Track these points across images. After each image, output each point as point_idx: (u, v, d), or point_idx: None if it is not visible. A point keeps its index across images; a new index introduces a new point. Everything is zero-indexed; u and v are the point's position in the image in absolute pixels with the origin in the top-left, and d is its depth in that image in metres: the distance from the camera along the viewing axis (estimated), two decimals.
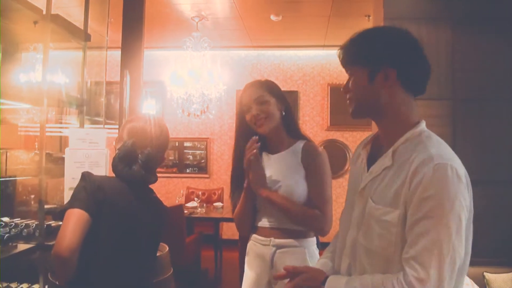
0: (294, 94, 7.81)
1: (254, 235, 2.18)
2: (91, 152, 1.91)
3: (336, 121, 7.67)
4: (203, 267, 6.02)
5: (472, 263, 3.17)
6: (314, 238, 2.15)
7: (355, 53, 1.44)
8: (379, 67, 1.38)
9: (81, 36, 3.20)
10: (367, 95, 1.42)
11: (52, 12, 2.83)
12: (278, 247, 2.08)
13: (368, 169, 1.47)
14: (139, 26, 3.64)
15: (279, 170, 2.11)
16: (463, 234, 1.28)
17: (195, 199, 6.26)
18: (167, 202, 7.49)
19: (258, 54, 7.90)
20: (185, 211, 5.54)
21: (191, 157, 8.10)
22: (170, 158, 8.11)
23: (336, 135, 7.72)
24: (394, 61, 1.39)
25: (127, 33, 3.64)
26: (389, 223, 1.32)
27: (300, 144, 2.15)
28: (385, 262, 1.35)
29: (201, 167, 8.06)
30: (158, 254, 2.51)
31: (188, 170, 8.09)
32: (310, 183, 2.08)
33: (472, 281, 2.94)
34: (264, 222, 2.14)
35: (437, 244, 1.24)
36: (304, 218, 2.04)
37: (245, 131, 2.16)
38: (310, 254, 2.09)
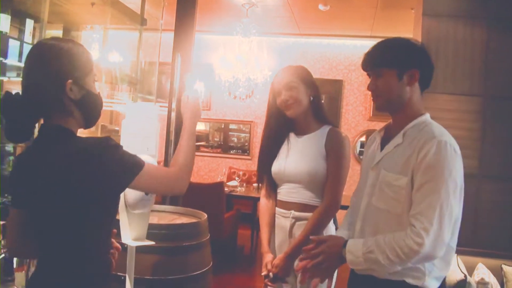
0: (338, 83, 7.94)
1: (277, 208, 2.41)
2: (144, 125, 2.18)
3: (378, 112, 7.76)
4: (239, 244, 6.32)
5: (491, 256, 3.37)
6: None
7: (388, 57, 1.75)
8: (407, 69, 1.71)
9: (138, 20, 3.49)
10: (395, 92, 1.74)
11: None
12: (297, 219, 2.31)
13: (381, 149, 1.81)
14: (191, 11, 3.88)
15: (304, 151, 2.32)
16: (458, 195, 1.61)
17: (236, 178, 6.55)
18: (210, 180, 7.86)
19: (305, 42, 8.05)
20: (226, 189, 5.83)
21: (235, 139, 8.39)
22: (216, 139, 8.41)
23: (378, 126, 7.71)
24: (419, 63, 1.73)
25: (180, 17, 3.90)
26: (399, 187, 1.66)
27: (326, 129, 2.35)
28: (394, 219, 1.68)
29: (244, 149, 8.35)
30: (196, 221, 2.79)
31: (232, 152, 8.39)
32: (329, 164, 2.28)
33: (490, 272, 3.08)
34: (285, 197, 2.37)
35: (438, 202, 1.56)
36: (324, 224, 2.28)
37: (275, 113, 2.38)
38: (326, 229, 2.30)
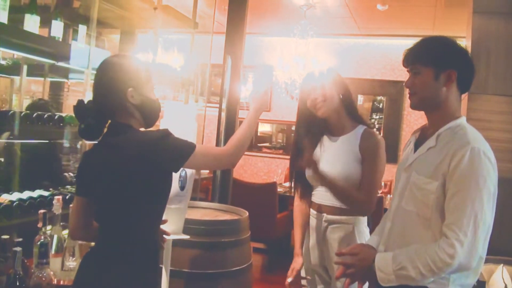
0: (400, 84, 7.76)
1: (311, 210, 2.43)
2: (181, 124, 2.29)
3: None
4: (293, 244, 6.34)
5: None
6: (365, 217, 2.35)
7: (427, 55, 1.75)
8: (445, 68, 1.69)
9: (190, 24, 3.63)
10: (431, 91, 1.72)
11: (165, 3, 3.28)
12: (330, 222, 2.32)
13: (415, 151, 1.79)
14: (242, 13, 3.97)
15: (338, 154, 2.31)
16: (491, 204, 1.58)
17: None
18: (267, 181, 7.92)
19: (366, 42, 7.94)
20: (281, 189, 5.88)
21: None
22: (279, 140, 8.48)
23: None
24: (457, 64, 1.71)
25: (231, 20, 4.00)
26: (429, 191, 1.64)
27: (360, 130, 2.33)
28: (422, 223, 1.68)
29: None
30: (236, 218, 2.88)
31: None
32: (364, 167, 2.26)
33: None
34: (318, 199, 2.38)
35: (472, 212, 1.53)
36: (346, 199, 2.25)
37: (306, 116, 2.38)
38: (359, 231, 2.30)
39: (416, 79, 1.74)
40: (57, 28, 2.72)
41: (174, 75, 3.99)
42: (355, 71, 7.85)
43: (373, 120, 7.88)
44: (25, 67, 3.17)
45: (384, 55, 7.89)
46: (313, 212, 2.41)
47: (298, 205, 2.50)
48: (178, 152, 1.70)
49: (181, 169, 2.23)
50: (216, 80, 7.50)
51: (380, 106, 7.89)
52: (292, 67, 6.33)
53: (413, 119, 7.76)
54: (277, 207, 5.40)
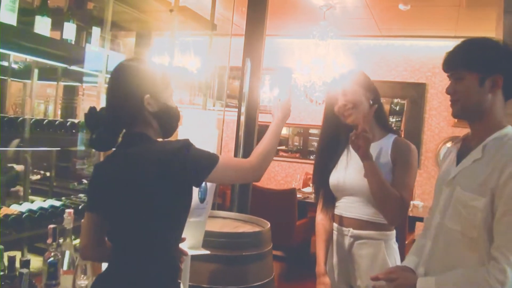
0: (421, 87, 7.56)
1: (334, 224, 2.25)
2: (201, 131, 2.14)
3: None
4: (312, 251, 6.18)
5: None
6: (394, 232, 2.18)
7: (472, 59, 1.59)
8: (491, 73, 1.54)
9: (208, 26, 3.49)
10: (475, 98, 1.57)
11: (182, 4, 3.14)
12: (356, 238, 2.13)
13: (457, 163, 1.64)
14: (262, 15, 3.83)
15: None
16: None
17: (311, 184, 6.41)
18: (285, 185, 7.77)
19: (387, 44, 7.75)
20: (300, 195, 5.71)
21: (315, 143, 8.25)
22: (295, 143, 8.33)
23: (463, 133, 7.23)
24: (504, 69, 1.55)
25: (250, 22, 3.86)
26: (476, 208, 1.48)
27: (391, 138, 2.17)
28: (467, 243, 1.51)
29: None
30: (258, 230, 2.72)
31: (311, 157, 8.26)
32: (395, 176, 2.09)
33: None
34: (343, 211, 2.20)
35: None
36: (386, 196, 2.01)
37: (333, 122, 2.22)
38: (388, 247, 2.12)
39: (459, 85, 1.59)
40: (69, 30, 2.59)
41: (191, 78, 3.86)
42: (374, 73, 7.66)
43: (390, 123, 7.58)
44: (36, 71, 3.05)
45: (405, 56, 7.69)
46: (336, 226, 2.24)
47: (321, 219, 2.31)
48: (200, 165, 1.56)
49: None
50: (233, 83, 7.37)
51: (397, 109, 7.69)
52: (312, 69, 6.17)
53: (435, 123, 7.55)
54: (297, 214, 5.24)
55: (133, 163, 1.54)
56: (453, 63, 1.62)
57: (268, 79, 7.51)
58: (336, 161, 2.25)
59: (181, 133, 2.16)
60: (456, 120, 7.34)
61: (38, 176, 3.91)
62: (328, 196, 2.28)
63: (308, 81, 6.24)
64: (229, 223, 2.92)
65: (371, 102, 2.16)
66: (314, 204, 5.83)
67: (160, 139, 1.67)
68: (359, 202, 2.14)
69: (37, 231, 2.31)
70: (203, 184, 2.18)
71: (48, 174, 3.82)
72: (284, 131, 8.41)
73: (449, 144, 7.41)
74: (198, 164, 1.56)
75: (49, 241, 1.89)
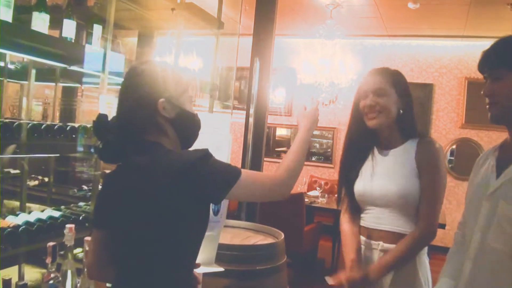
0: (428, 87, 7.40)
1: (360, 237, 2.05)
2: (214, 137, 1.96)
3: (471, 119, 7.11)
4: (320, 256, 6.00)
5: None
6: (426, 246, 1.99)
7: (510, 57, 1.42)
8: None
9: (215, 23, 3.31)
10: None
11: (187, 1, 2.96)
12: (387, 252, 1.94)
13: (497, 174, 1.46)
14: (271, 14, 3.67)
15: (393, 169, 1.96)
16: None
17: (317, 188, 6.23)
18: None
19: (392, 43, 7.59)
20: (306, 199, 5.53)
21: (317, 145, 8.08)
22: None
23: (471, 134, 7.17)
24: None
25: (259, 21, 3.69)
26: None
27: (414, 141, 1.98)
28: None
29: (327, 156, 8.02)
30: (272, 242, 2.53)
31: (313, 158, 8.09)
32: (422, 182, 1.90)
33: None
34: (371, 223, 2.01)
35: None
36: (415, 253, 1.91)
37: (359, 120, 2.03)
38: (421, 263, 1.94)
39: (497, 86, 1.43)
40: (69, 28, 2.41)
41: (199, 79, 3.68)
42: None
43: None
44: (33, 72, 2.86)
45: (412, 56, 7.53)
46: (363, 239, 2.04)
47: (349, 229, 2.08)
48: (220, 179, 1.37)
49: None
50: (235, 83, 7.22)
51: None
52: (318, 69, 5.99)
53: (442, 124, 7.38)
54: (305, 219, 5.05)
55: (145, 175, 1.35)
56: (492, 62, 1.46)
57: (272, 80, 7.35)
58: (361, 167, 2.06)
59: None
60: (463, 121, 7.20)
61: (36, 182, 3.73)
62: (354, 206, 2.09)
63: (314, 81, 6.06)
64: (239, 233, 2.74)
65: (401, 112, 1.98)
66: (321, 209, 5.70)
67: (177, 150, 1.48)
68: (389, 213, 1.95)
69: (35, 245, 2.12)
70: None
71: (46, 179, 3.64)
72: (284, 132, 8.24)
73: (454, 147, 7.25)
74: (218, 178, 1.36)
75: (48, 260, 1.70)
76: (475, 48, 7.05)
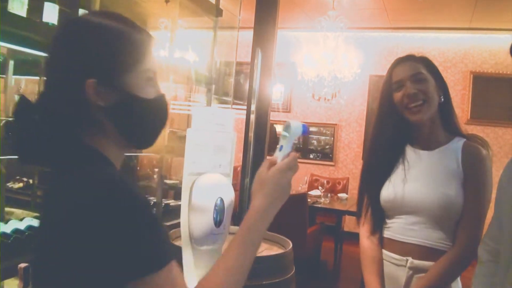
0: None
1: (384, 250, 1.77)
2: (216, 135, 1.68)
3: (477, 114, 6.86)
4: (322, 258, 5.77)
5: None
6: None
7: None
8: None
9: (212, 11, 3.04)
10: None
11: None
12: (416, 270, 1.67)
13: None
14: (273, 2, 3.39)
15: (434, 173, 1.68)
16: None
17: (319, 187, 5.97)
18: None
19: (396, 36, 7.33)
20: (308, 200, 5.28)
21: (315, 142, 7.83)
22: (295, 142, 7.88)
23: (476, 130, 6.91)
24: None
25: (260, 10, 3.41)
26: None
27: (459, 142, 1.72)
28: None
29: (325, 153, 7.75)
30: (280, 253, 2.27)
31: (311, 156, 7.84)
32: (467, 194, 1.63)
33: None
34: (398, 234, 1.72)
35: None
36: (454, 278, 1.66)
37: (390, 115, 1.74)
38: (455, 283, 1.67)
39: None
40: (50, 12, 2.13)
41: (189, 71, 3.40)
42: (382, 67, 7.25)
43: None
44: (11, 63, 2.58)
45: (416, 49, 7.17)
46: (388, 253, 1.76)
47: (369, 246, 1.80)
48: (124, 260, 0.82)
49: (217, 196, 1.63)
50: (229, 79, 6.98)
51: None
52: (320, 63, 5.73)
53: None
54: (308, 221, 4.79)
55: (50, 203, 0.94)
56: None
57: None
58: (391, 170, 1.77)
59: (190, 137, 1.71)
60: (469, 117, 6.95)
61: (21, 184, 3.44)
62: (377, 215, 1.80)
63: (316, 76, 5.80)
64: None
65: (442, 99, 1.72)
66: (323, 209, 5.44)
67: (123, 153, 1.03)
68: (421, 224, 1.67)
69: (11, 261, 1.84)
70: (219, 200, 1.71)
71: (31, 181, 3.35)
72: (280, 129, 7.95)
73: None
74: (123, 258, 0.81)
75: (20, 286, 1.41)
76: (481, 40, 6.82)
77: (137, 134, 1.02)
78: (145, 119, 1.00)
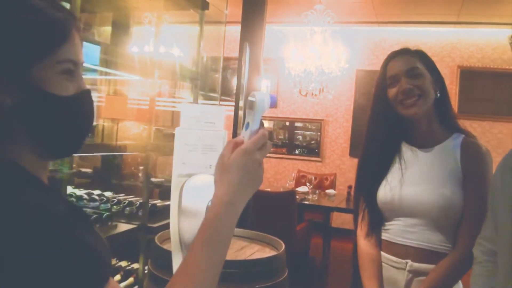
0: None
1: (382, 253, 1.70)
2: (206, 134, 1.58)
3: (464, 109, 6.85)
4: (310, 254, 5.73)
5: None
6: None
7: None
8: None
9: (198, 4, 2.94)
10: None
11: None
12: (416, 273, 1.60)
13: None
14: None
15: (432, 174, 1.62)
16: None
17: (307, 184, 5.91)
18: (278, 184, 7.26)
19: (382, 30, 7.29)
20: (296, 197, 5.22)
21: (300, 137, 7.76)
22: (280, 137, 7.85)
23: (466, 124, 6.84)
24: None
25: (248, 4, 3.33)
26: None
27: (458, 139, 1.65)
28: None
29: (311, 149, 7.69)
30: (272, 255, 2.19)
31: (297, 151, 7.78)
32: (467, 193, 1.57)
33: None
34: (397, 237, 1.66)
35: None
36: (454, 282, 1.59)
37: (385, 111, 1.67)
38: (456, 286, 1.61)
39: None
40: None
41: (174, 67, 3.31)
42: (369, 61, 7.23)
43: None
44: None
45: (402, 44, 7.04)
46: (386, 256, 1.69)
47: (367, 249, 1.73)
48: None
49: (209, 199, 1.52)
50: (214, 75, 6.88)
51: None
52: (307, 58, 5.65)
53: None
54: (296, 219, 4.72)
55: None
56: None
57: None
58: (387, 170, 1.70)
59: (179, 135, 1.61)
60: (456, 111, 6.93)
61: None
62: (375, 216, 1.72)
63: (303, 71, 5.73)
64: (233, 242, 2.39)
65: (438, 94, 1.64)
66: (312, 207, 5.38)
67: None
68: (420, 226, 1.60)
69: None
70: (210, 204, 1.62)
71: None
72: (267, 124, 7.87)
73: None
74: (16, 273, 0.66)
75: None
76: (468, 34, 6.81)
77: (53, 140, 0.83)
78: (62, 121, 0.82)
